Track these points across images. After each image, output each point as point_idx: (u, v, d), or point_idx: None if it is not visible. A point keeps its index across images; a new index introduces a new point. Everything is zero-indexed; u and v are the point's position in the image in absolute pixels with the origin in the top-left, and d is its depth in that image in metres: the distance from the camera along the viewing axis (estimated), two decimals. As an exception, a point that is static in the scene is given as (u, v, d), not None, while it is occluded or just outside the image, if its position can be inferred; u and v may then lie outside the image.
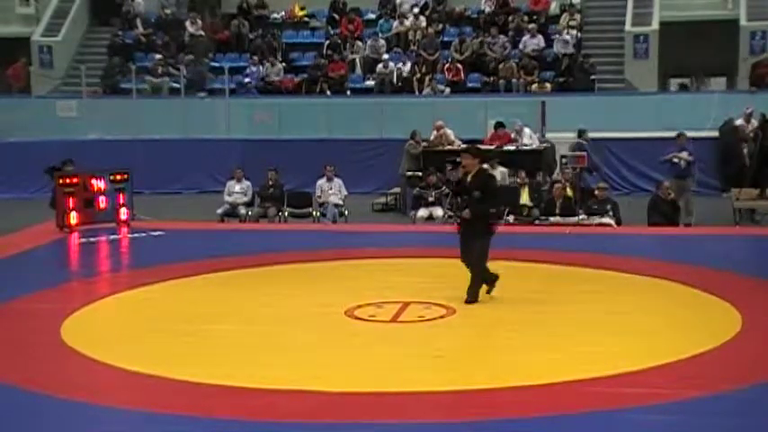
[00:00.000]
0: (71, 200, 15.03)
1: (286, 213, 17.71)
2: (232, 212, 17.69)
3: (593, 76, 24.39)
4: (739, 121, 20.74)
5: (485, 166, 10.83)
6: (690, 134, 17.87)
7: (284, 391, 7.57)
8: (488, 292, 10.36)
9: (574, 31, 25.34)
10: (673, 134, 18.40)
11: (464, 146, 19.55)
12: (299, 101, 24.59)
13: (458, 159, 17.11)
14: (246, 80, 25.45)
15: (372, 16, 27.65)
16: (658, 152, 20.38)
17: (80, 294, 11.05)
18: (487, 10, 26.60)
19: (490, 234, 10.19)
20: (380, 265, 12.18)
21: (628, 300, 10.59)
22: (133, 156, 19.72)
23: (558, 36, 25.05)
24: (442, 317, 9.84)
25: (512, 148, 19.73)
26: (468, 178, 10.18)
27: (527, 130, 20.13)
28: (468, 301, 10.10)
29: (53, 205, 15.54)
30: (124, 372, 8.15)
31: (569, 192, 16.38)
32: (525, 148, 19.76)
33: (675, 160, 16.83)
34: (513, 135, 20.07)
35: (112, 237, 14.72)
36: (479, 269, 10.19)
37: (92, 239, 14.46)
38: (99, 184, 15.41)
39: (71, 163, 16.56)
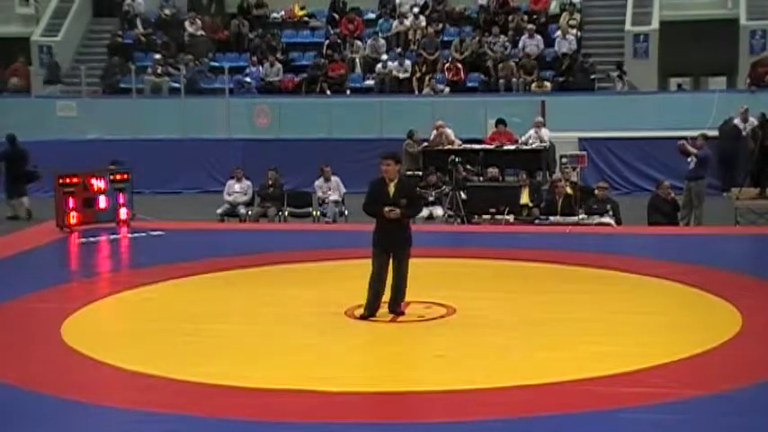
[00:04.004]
0: (71, 200, 15.04)
1: (286, 213, 17.71)
2: (232, 212, 17.69)
3: (593, 76, 24.38)
4: (737, 120, 20.75)
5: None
6: (689, 134, 17.84)
7: (284, 391, 7.57)
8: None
9: (574, 31, 25.33)
10: (672, 134, 18.40)
11: (464, 145, 19.85)
12: (298, 101, 24.58)
13: (457, 159, 17.32)
14: (246, 80, 25.44)
15: (372, 16, 27.65)
16: (659, 152, 20.43)
17: (80, 294, 11.04)
18: (485, 2, 26.56)
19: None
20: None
21: (628, 300, 10.58)
22: (133, 156, 19.70)
23: (562, 36, 24.98)
24: (442, 317, 9.84)
25: (512, 147, 19.70)
26: (391, 187, 9.78)
27: (545, 130, 20.05)
28: (401, 313, 9.82)
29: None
30: (124, 372, 8.15)
31: (569, 190, 16.36)
32: (525, 147, 19.72)
33: (689, 159, 16.80)
34: (533, 131, 19.91)
35: (112, 237, 14.73)
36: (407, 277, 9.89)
37: (92, 239, 14.46)
38: (99, 184, 15.42)
39: (119, 163, 16.64)
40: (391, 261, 9.80)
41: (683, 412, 7.02)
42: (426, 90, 24.48)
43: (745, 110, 20.75)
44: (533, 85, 24.12)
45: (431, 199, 17.50)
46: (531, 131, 19.88)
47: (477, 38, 25.47)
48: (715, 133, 20.06)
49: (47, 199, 16.36)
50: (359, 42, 26.56)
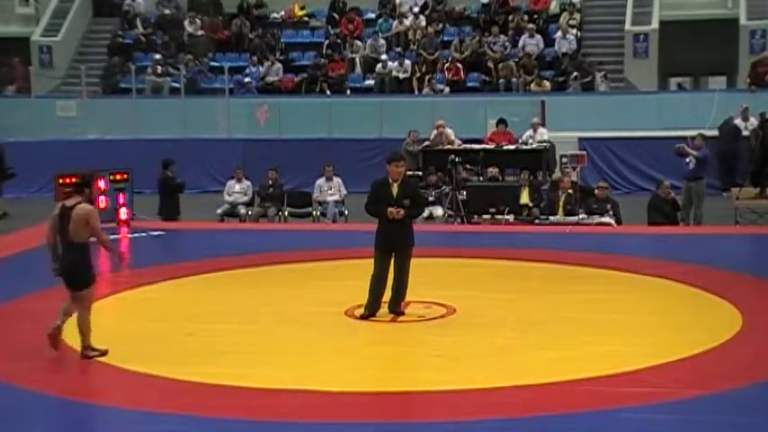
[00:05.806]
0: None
1: (286, 213, 17.71)
2: (232, 212, 17.69)
3: (590, 76, 24.34)
4: (737, 120, 20.75)
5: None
6: (689, 134, 17.85)
7: (284, 391, 7.58)
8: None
9: (574, 31, 25.34)
10: (672, 134, 18.36)
11: (464, 145, 19.83)
12: (298, 101, 24.58)
13: (457, 159, 17.32)
14: (246, 80, 25.45)
15: (372, 16, 27.64)
16: (658, 152, 20.41)
17: (80, 294, 11.02)
18: (486, 0, 26.57)
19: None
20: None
21: (628, 300, 10.60)
22: (133, 156, 19.70)
23: (562, 35, 24.98)
24: (442, 317, 9.85)
25: (512, 147, 19.68)
26: (395, 187, 9.80)
27: (542, 129, 20.06)
28: (401, 313, 9.84)
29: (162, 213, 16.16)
30: (124, 372, 8.16)
31: (569, 190, 16.36)
32: (525, 147, 19.70)
33: (687, 160, 16.80)
34: (529, 132, 19.89)
35: (112, 237, 14.70)
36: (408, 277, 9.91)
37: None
38: (99, 184, 15.40)
39: (173, 163, 16.69)
40: (392, 261, 9.80)
41: (683, 412, 7.03)
42: (426, 90, 24.48)
43: (744, 109, 20.75)
44: (533, 84, 24.12)
45: (431, 199, 17.50)
46: (530, 131, 19.89)
47: (477, 38, 25.47)
48: (714, 133, 20.06)
49: (47, 199, 16.33)
50: (359, 42, 26.56)
